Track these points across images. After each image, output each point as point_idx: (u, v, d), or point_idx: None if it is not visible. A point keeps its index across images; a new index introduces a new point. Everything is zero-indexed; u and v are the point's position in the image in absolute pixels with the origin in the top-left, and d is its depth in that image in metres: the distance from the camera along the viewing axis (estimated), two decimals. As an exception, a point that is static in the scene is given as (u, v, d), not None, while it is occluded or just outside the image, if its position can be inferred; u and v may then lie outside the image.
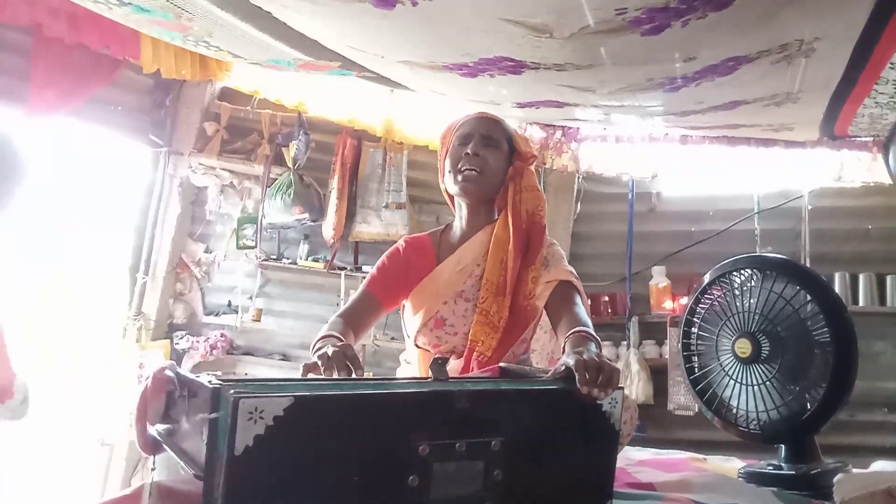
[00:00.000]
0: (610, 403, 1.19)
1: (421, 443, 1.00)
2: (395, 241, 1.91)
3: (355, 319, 1.71)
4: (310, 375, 1.33)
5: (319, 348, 1.42)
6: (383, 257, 1.85)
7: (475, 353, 1.68)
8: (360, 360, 1.47)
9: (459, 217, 1.84)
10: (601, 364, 1.18)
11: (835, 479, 1.52)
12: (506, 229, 1.76)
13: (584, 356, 1.19)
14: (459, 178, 1.75)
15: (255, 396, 0.89)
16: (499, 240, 1.75)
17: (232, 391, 0.89)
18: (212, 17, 1.99)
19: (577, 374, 1.16)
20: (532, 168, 1.86)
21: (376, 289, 1.78)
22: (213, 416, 0.91)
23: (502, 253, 1.74)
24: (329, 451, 0.95)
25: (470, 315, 1.73)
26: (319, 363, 1.33)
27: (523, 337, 1.76)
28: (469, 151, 1.74)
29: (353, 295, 1.82)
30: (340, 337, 1.52)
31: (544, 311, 1.73)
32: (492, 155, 1.76)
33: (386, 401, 1.03)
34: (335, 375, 1.32)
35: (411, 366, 1.86)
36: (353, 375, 1.34)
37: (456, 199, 1.84)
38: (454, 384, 1.20)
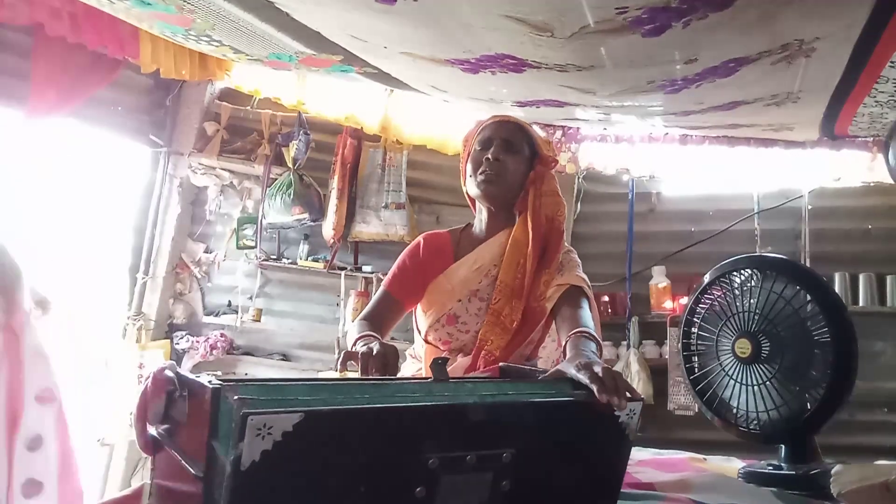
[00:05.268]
0: (628, 414, 1.14)
1: (431, 455, 0.97)
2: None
3: (378, 322, 1.72)
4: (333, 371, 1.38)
5: (366, 344, 1.47)
6: (403, 255, 1.86)
7: (483, 352, 1.69)
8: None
9: (480, 219, 1.85)
10: (615, 372, 1.15)
11: (832, 471, 1.51)
12: (524, 233, 1.76)
13: (595, 368, 1.16)
14: (479, 182, 1.76)
15: (265, 413, 0.85)
16: (516, 243, 1.75)
17: (236, 398, 0.86)
18: (214, 9, 1.99)
19: (594, 385, 1.12)
20: (553, 172, 1.86)
21: (396, 288, 1.79)
22: (219, 427, 0.89)
23: (519, 256, 1.74)
24: (337, 464, 0.92)
25: (483, 314, 1.74)
26: (360, 358, 1.40)
27: (531, 338, 1.77)
28: (490, 157, 1.74)
29: (374, 296, 1.83)
30: (380, 338, 1.55)
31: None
32: (512, 160, 1.76)
33: (398, 414, 0.99)
34: (371, 375, 1.36)
35: (418, 361, 1.86)
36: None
37: (476, 201, 1.85)
38: (459, 388, 1.15)
